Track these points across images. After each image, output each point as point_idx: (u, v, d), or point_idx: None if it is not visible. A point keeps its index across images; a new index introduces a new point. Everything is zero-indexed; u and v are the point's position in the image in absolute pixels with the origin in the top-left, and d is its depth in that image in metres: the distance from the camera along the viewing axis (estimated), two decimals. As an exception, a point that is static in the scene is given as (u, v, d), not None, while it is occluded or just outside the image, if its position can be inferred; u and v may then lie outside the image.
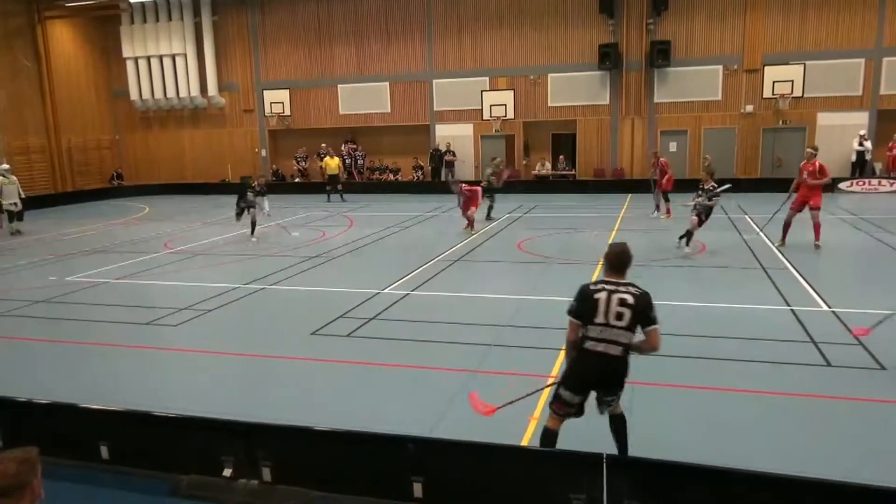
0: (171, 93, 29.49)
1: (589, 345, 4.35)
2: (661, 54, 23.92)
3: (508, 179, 20.79)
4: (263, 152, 29.58)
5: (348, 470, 4.70)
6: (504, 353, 7.45)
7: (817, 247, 12.50)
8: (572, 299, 4.48)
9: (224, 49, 29.04)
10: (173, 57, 29.14)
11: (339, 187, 24.38)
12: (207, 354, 7.92)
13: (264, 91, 28.39)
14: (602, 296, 4.32)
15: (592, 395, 4.54)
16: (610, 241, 4.75)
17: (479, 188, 16.71)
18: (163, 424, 5.15)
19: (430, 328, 8.46)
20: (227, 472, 4.81)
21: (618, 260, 4.46)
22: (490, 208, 17.67)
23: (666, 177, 17.35)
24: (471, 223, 16.30)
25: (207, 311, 9.59)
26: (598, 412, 4.62)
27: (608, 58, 24.34)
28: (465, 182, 17.66)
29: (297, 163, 28.82)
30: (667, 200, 17.50)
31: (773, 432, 5.45)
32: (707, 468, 4.09)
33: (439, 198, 22.71)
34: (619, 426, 4.65)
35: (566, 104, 25.64)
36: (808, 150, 12.89)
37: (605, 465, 4.06)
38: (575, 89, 25.45)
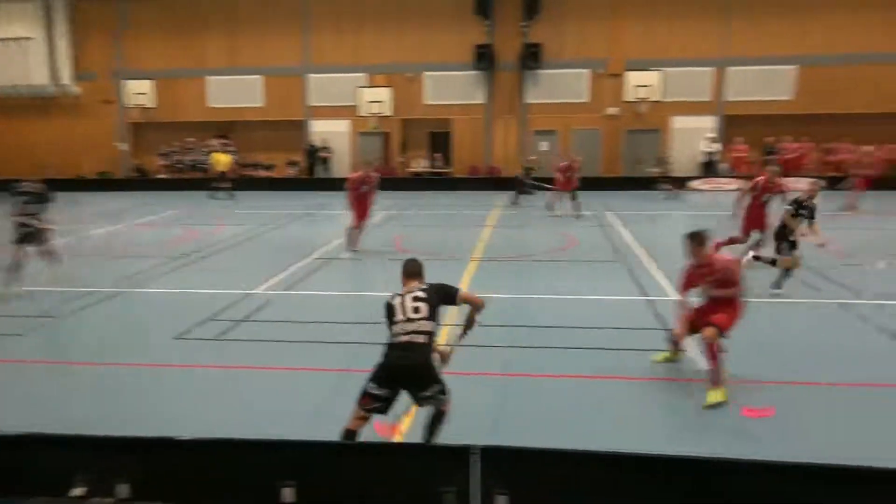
0: (17, 80, 26.92)
1: (393, 339, 4.81)
2: (533, 56, 24.79)
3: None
4: (124, 146, 27.71)
5: (216, 480, 4.49)
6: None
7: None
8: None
9: (81, 34, 26.89)
10: (20, 41, 26.62)
11: (224, 185, 22.78)
12: (58, 365, 7.32)
13: (126, 81, 26.59)
14: (397, 301, 4.97)
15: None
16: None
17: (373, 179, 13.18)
18: (2, 445, 4.68)
19: (305, 329, 8.29)
20: (79, 492, 4.45)
21: (411, 268, 5.22)
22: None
23: (565, 177, 17.70)
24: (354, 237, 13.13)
25: (59, 318, 8.86)
26: (419, 406, 4.86)
27: (483, 58, 24.91)
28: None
29: (165, 158, 27.22)
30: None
31: (633, 415, 5.81)
32: (576, 452, 4.27)
33: (314, 195, 22.33)
34: (434, 420, 4.83)
35: (442, 103, 25.96)
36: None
37: (470, 455, 4.13)
38: (451, 88, 25.82)
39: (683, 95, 24.75)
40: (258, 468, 4.45)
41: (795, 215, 9.47)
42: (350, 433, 4.73)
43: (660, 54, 24.52)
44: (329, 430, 4.81)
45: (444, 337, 5.94)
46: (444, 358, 5.11)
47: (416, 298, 4.87)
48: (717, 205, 20.25)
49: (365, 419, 4.76)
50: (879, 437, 5.35)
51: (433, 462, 4.33)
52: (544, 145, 25.90)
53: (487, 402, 5.99)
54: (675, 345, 6.64)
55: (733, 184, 23.69)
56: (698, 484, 4.13)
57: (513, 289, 10.04)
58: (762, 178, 11.32)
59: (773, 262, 9.74)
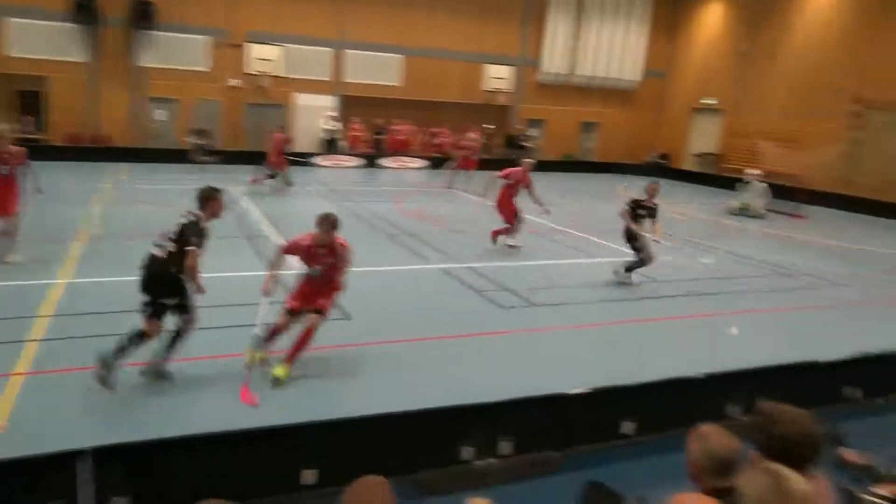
0: None
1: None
2: (145, 15, 22.65)
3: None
4: None
5: None
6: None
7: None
8: None
9: None
10: None
11: None
12: None
13: None
14: None
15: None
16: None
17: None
18: None
19: None
20: None
21: (197, 196, 5.79)
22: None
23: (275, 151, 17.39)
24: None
25: None
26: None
27: (83, 10, 21.86)
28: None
29: None
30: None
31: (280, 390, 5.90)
32: (195, 437, 4.18)
33: None
34: (177, 332, 5.79)
35: (33, 56, 22.08)
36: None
37: (78, 461, 3.73)
38: (44, 40, 22.09)
39: (305, 73, 25.43)
40: None
41: (635, 216, 9.59)
42: (143, 334, 5.59)
43: (281, 29, 24.64)
44: None
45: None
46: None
47: (176, 223, 5.62)
48: (339, 180, 21.50)
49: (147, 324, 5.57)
50: (481, 378, 6.40)
51: (34, 475, 3.79)
52: (161, 114, 24.09)
53: (92, 401, 5.46)
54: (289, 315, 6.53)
55: (352, 161, 25.48)
56: (331, 444, 4.44)
57: (126, 270, 9.18)
58: (518, 169, 11.33)
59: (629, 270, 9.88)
